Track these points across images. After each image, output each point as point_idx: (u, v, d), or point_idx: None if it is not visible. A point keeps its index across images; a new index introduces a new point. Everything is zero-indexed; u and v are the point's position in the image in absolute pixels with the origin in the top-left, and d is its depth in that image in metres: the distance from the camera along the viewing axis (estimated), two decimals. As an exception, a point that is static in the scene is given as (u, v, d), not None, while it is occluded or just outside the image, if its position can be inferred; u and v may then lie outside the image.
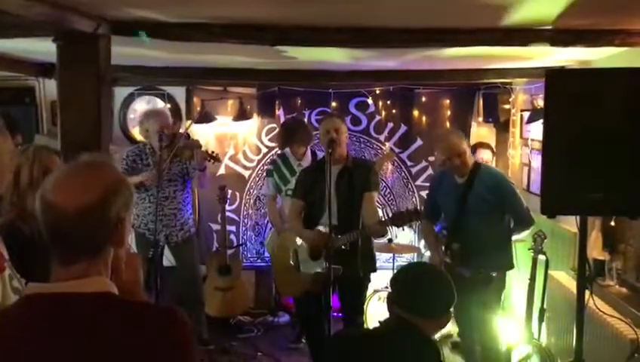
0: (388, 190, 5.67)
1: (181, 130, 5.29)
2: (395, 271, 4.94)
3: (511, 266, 3.88)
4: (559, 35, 2.83)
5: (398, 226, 3.54)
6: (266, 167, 5.22)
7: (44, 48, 3.20)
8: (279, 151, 5.32)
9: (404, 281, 2.01)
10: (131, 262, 1.42)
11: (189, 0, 2.38)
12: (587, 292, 2.83)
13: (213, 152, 4.35)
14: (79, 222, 1.21)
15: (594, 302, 2.93)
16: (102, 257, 1.27)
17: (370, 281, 3.91)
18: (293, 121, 5.12)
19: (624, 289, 3.67)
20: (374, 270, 3.86)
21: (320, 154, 4.65)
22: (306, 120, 5.39)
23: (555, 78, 2.70)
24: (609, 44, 2.87)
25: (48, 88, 5.37)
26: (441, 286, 1.97)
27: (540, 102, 4.55)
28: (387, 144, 5.63)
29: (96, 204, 1.22)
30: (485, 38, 2.83)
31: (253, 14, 2.67)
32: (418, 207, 3.36)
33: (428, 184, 5.57)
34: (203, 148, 4.34)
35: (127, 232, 1.34)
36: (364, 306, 4.04)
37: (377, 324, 2.06)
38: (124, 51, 3.52)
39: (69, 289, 1.22)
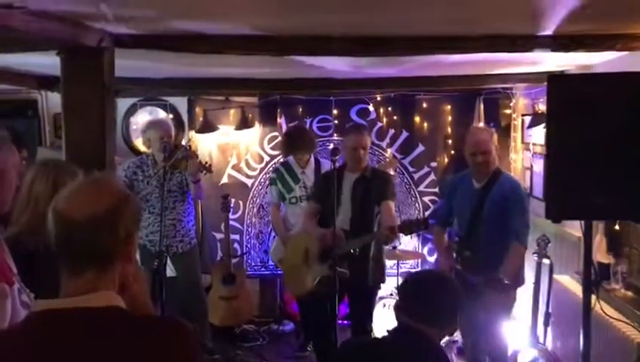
0: (391, 196, 5.67)
1: (183, 142, 5.33)
2: (401, 278, 5.00)
3: (522, 282, 3.79)
4: (561, 40, 2.84)
5: (405, 234, 3.59)
6: (269, 176, 5.23)
7: (47, 61, 3.22)
8: (282, 160, 5.34)
9: (412, 289, 2.01)
10: (139, 275, 1.43)
11: (190, 13, 2.39)
12: (593, 297, 2.83)
13: (206, 163, 4.36)
14: (88, 231, 1.23)
15: (600, 306, 2.93)
16: (110, 271, 1.28)
17: (380, 289, 3.94)
18: (296, 128, 5.13)
19: (630, 293, 3.66)
20: (383, 281, 3.90)
21: (324, 162, 4.67)
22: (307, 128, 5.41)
23: (556, 83, 2.70)
24: (610, 48, 2.88)
25: (51, 101, 5.40)
26: (450, 293, 1.98)
27: (541, 107, 4.56)
28: (389, 150, 5.64)
29: (105, 214, 1.25)
30: (489, 45, 2.84)
31: (255, 25, 2.69)
32: (425, 216, 3.41)
33: (430, 190, 5.63)
34: (199, 159, 4.34)
35: (135, 249, 1.36)
36: (373, 315, 4.04)
37: (385, 333, 2.07)
38: (126, 64, 3.55)
39: (77, 304, 1.23)
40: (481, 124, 5.56)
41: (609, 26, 2.71)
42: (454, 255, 3.71)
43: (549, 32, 2.79)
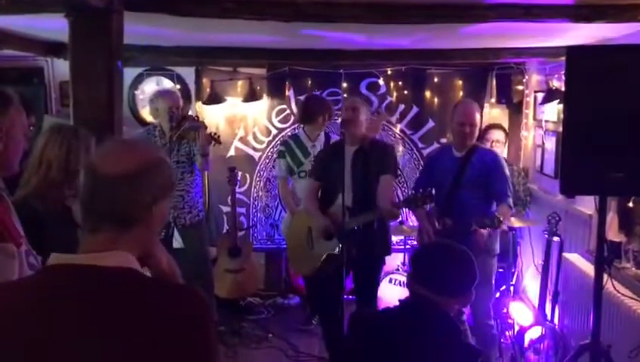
0: (399, 172, 5.62)
1: (190, 112, 5.27)
2: (407, 254, 4.97)
3: (496, 251, 3.87)
4: (582, 10, 2.76)
5: (411, 209, 3.52)
6: (277, 148, 5.17)
7: (54, 26, 3.16)
8: (291, 133, 5.28)
9: (428, 260, 1.98)
10: (167, 257, 1.40)
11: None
12: (604, 275, 2.80)
13: (215, 134, 4.30)
14: (113, 187, 1.21)
15: (613, 284, 2.90)
16: (131, 234, 1.24)
17: (384, 263, 3.89)
18: (316, 97, 5.01)
19: (641, 271, 3.62)
20: (389, 253, 3.84)
21: (333, 137, 4.60)
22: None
23: (576, 56, 2.64)
24: (633, 19, 2.80)
25: (57, 68, 5.34)
26: (463, 263, 1.94)
27: (555, 83, 4.48)
28: (399, 126, 5.58)
29: (134, 173, 1.23)
30: (506, 14, 2.76)
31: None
32: (432, 190, 3.32)
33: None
34: (208, 130, 4.29)
35: (162, 220, 1.32)
36: (378, 288, 4.00)
37: (397, 303, 2.04)
38: (134, 29, 3.48)
39: (90, 261, 1.20)
40: (493, 100, 5.49)
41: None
42: (436, 222, 3.75)
43: (568, 1, 2.70)
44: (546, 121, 4.84)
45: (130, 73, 5.42)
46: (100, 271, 1.19)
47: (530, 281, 4.98)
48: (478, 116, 3.82)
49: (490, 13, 2.78)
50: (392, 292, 4.81)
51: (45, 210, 2.31)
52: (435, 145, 5.57)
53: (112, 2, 2.61)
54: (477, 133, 3.86)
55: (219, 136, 4.34)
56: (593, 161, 2.57)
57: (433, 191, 3.35)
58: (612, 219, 3.82)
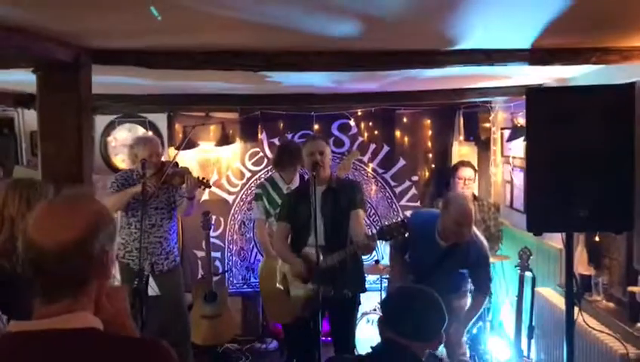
0: (373, 210, 5.68)
1: (163, 158, 5.26)
2: (385, 293, 4.97)
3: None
4: (538, 54, 2.87)
5: (385, 240, 3.52)
6: (254, 191, 5.18)
7: (23, 78, 3.17)
8: (266, 175, 5.30)
9: (397, 304, 1.99)
10: (117, 294, 1.39)
11: (169, 30, 2.37)
12: (575, 308, 2.84)
13: (204, 178, 4.32)
14: (61, 259, 1.19)
15: (582, 318, 2.94)
16: (86, 293, 1.25)
17: (360, 303, 3.89)
18: (292, 143, 4.96)
19: (611, 304, 3.68)
20: (364, 290, 3.84)
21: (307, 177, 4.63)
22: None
23: (535, 97, 2.74)
24: (586, 62, 2.92)
25: (27, 119, 5.33)
26: (434, 308, 1.96)
27: (520, 120, 4.60)
28: (370, 165, 5.65)
29: (78, 240, 1.21)
30: (468, 59, 2.86)
31: (235, 42, 2.67)
32: (404, 219, 3.35)
33: (412, 204, 5.65)
34: (195, 176, 4.29)
35: (112, 265, 1.32)
36: (355, 328, 3.99)
37: (369, 349, 2.04)
38: (104, 80, 3.50)
39: (52, 325, 1.19)
40: (461, 138, 5.61)
41: (584, 40, 2.75)
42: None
43: (525, 45, 2.81)
44: (514, 158, 4.95)
45: (101, 121, 5.44)
46: (63, 335, 1.18)
47: (506, 316, 5.01)
48: (473, 217, 3.66)
49: (453, 58, 2.88)
50: (369, 332, 4.79)
51: (13, 270, 2.27)
52: (407, 183, 5.66)
53: (79, 56, 2.63)
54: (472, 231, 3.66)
55: (208, 181, 4.36)
56: (557, 198, 2.64)
57: (406, 220, 3.39)
58: (581, 252, 3.90)
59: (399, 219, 3.33)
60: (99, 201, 1.35)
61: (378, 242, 3.58)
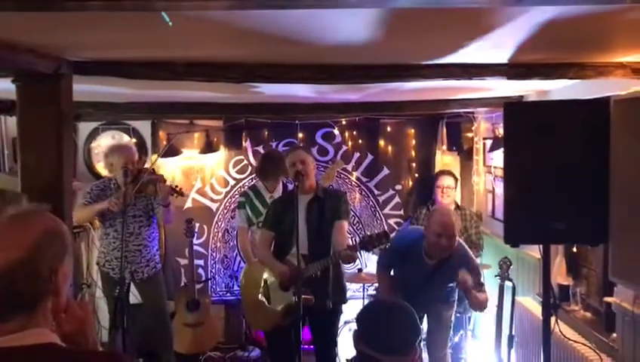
0: (356, 219, 5.70)
1: (146, 165, 5.25)
2: (367, 300, 4.99)
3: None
4: (515, 69, 2.92)
5: (367, 250, 3.54)
6: (237, 199, 5.18)
7: (4, 86, 3.16)
8: (250, 184, 5.31)
9: (370, 319, 2.00)
10: (74, 311, 1.39)
11: (149, 43, 2.38)
12: (553, 319, 2.88)
13: (177, 186, 4.31)
14: (7, 278, 1.20)
15: (559, 329, 2.98)
16: (39, 310, 1.25)
17: (342, 312, 3.90)
18: (276, 152, 4.96)
19: (589, 314, 3.74)
20: (345, 301, 3.86)
21: (290, 186, 4.65)
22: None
23: (512, 111, 2.79)
24: (563, 76, 2.97)
25: (10, 124, 5.27)
26: (407, 322, 1.97)
27: (501, 131, 4.64)
28: (355, 174, 5.68)
29: (22, 259, 1.21)
30: (446, 74, 2.90)
31: (215, 54, 2.69)
32: (385, 230, 3.38)
33: (395, 212, 5.68)
34: (168, 183, 4.30)
35: (65, 281, 1.32)
36: (337, 337, 4.00)
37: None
38: (87, 88, 3.50)
39: (7, 343, 1.20)
40: (444, 147, 5.66)
41: (560, 55, 2.80)
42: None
43: (503, 60, 2.86)
44: (495, 167, 5.00)
45: (85, 128, 5.42)
46: (19, 352, 1.19)
47: (487, 325, 5.05)
48: (455, 226, 3.63)
49: (431, 72, 2.92)
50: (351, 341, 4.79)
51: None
52: (391, 192, 5.69)
53: (60, 67, 2.63)
54: (455, 244, 3.63)
55: (181, 189, 4.35)
56: (534, 211, 2.69)
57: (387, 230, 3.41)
58: (560, 262, 3.95)
59: (381, 229, 3.34)
60: (49, 219, 1.33)
61: (361, 252, 3.59)
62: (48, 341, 1.23)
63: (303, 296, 3.29)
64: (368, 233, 3.45)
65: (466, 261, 3.71)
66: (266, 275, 3.80)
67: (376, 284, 5.40)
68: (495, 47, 2.47)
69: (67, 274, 1.32)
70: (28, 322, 1.23)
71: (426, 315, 3.88)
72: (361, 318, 2.03)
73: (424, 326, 3.91)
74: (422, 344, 3.96)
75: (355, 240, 5.34)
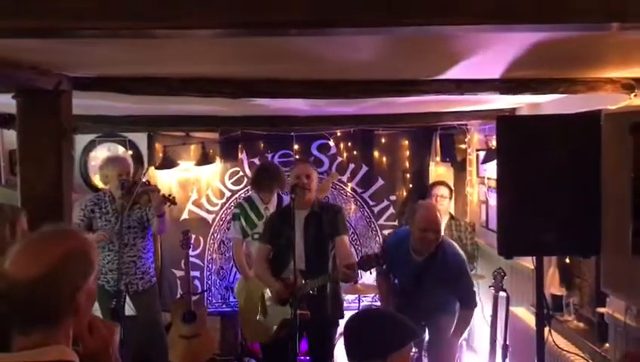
0: (351, 230, 5.73)
1: (144, 178, 5.28)
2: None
3: None
4: (507, 84, 2.97)
5: (365, 271, 3.58)
6: (232, 211, 5.21)
7: (2, 99, 3.19)
8: (245, 195, 5.34)
9: (346, 329, 2.05)
10: (99, 330, 1.42)
11: (146, 60, 2.42)
12: (546, 329, 2.92)
13: (170, 195, 4.34)
14: (30, 293, 1.23)
15: (552, 339, 3.02)
16: (61, 327, 1.28)
17: (338, 324, 3.93)
18: (271, 165, 5.03)
19: (582, 324, 3.77)
20: (342, 316, 3.89)
21: (286, 199, 4.68)
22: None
23: (505, 124, 2.84)
24: (554, 91, 3.03)
25: (7, 137, 5.29)
26: (375, 327, 1.99)
27: (494, 143, 4.71)
28: (350, 185, 5.72)
29: (46, 275, 1.25)
30: (440, 89, 2.96)
31: (210, 70, 2.73)
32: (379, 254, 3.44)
33: (390, 223, 5.72)
34: (161, 192, 4.32)
35: (89, 300, 1.35)
36: (333, 349, 4.03)
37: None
38: (84, 102, 3.53)
39: (27, 358, 1.23)
40: (438, 159, 5.72)
41: (551, 71, 2.85)
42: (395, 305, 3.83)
43: (495, 75, 2.92)
44: (489, 179, 5.05)
45: (81, 140, 5.44)
46: None
47: (482, 335, 5.08)
48: (441, 220, 3.68)
49: (425, 88, 2.97)
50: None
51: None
52: (385, 203, 5.73)
53: (60, 83, 2.67)
54: (440, 237, 3.67)
55: (174, 197, 4.38)
56: (527, 223, 2.73)
57: (382, 248, 3.43)
58: (553, 273, 3.99)
59: (374, 251, 3.40)
60: (77, 238, 1.38)
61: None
62: (68, 359, 1.26)
63: (299, 312, 3.32)
64: (368, 253, 3.49)
65: (454, 256, 3.72)
66: (263, 288, 3.82)
67: (372, 295, 5.49)
68: (487, 64, 2.52)
69: (91, 294, 1.35)
70: (48, 338, 1.25)
71: (427, 328, 3.89)
72: (344, 334, 2.09)
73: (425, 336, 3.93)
74: (423, 354, 4.00)
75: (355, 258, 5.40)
